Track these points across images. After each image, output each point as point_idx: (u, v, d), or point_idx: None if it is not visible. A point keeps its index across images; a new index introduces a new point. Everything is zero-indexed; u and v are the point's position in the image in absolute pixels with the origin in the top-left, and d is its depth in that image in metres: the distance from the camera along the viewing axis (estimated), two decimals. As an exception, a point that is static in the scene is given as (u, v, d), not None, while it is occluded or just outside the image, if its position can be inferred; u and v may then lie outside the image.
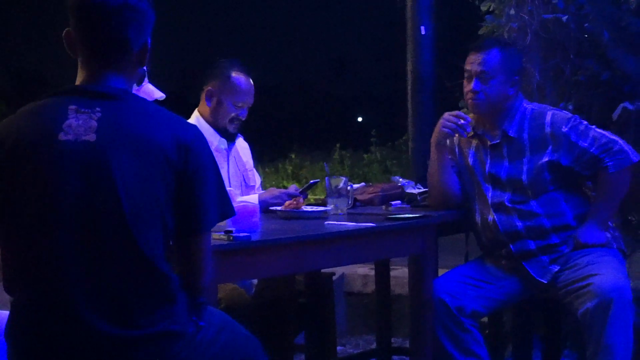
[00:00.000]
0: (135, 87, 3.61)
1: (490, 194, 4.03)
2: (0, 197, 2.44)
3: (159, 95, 3.66)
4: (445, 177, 4.10)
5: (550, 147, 3.94)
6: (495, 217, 4.00)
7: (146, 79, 3.63)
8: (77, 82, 2.55)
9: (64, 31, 2.57)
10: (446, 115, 4.03)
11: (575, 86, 4.98)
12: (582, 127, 3.95)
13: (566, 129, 3.93)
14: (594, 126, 3.98)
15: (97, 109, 2.44)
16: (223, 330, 2.69)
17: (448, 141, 4.19)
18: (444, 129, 4.02)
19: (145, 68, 3.55)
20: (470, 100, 4.02)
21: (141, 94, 3.61)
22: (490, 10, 5.30)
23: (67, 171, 2.38)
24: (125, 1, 2.51)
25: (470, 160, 4.13)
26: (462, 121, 3.99)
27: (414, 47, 5.36)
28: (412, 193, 4.48)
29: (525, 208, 3.97)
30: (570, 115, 4.02)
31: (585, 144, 3.91)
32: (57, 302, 2.39)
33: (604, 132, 3.96)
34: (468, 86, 4.02)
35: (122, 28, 2.52)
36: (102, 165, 2.38)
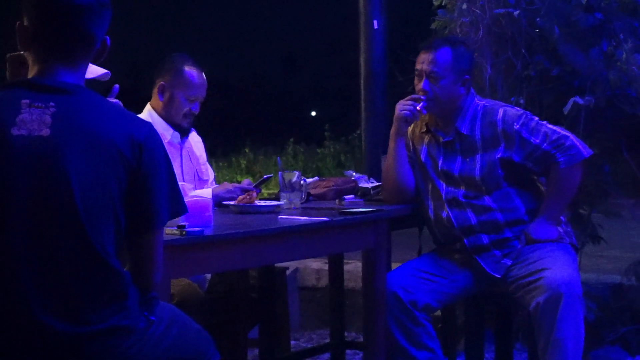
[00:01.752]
0: None
1: (444, 190, 4.05)
2: None
3: (102, 71, 3.61)
4: (402, 170, 4.11)
5: (502, 145, 3.96)
6: (449, 212, 4.02)
7: None
8: (30, 76, 2.52)
9: (17, 24, 2.53)
10: (401, 101, 4.03)
11: (527, 81, 5.02)
12: (533, 124, 3.97)
13: (517, 126, 3.95)
14: (545, 122, 4.01)
15: (51, 103, 2.41)
16: (173, 325, 2.68)
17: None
18: (403, 112, 4.00)
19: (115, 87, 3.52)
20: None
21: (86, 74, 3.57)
22: (442, 4, 5.32)
23: (19, 166, 2.36)
24: None
25: (422, 157, 4.14)
26: (419, 104, 3.98)
27: (367, 42, 5.38)
28: (366, 187, 4.49)
29: (479, 203, 3.99)
30: (521, 111, 4.04)
31: (537, 141, 3.93)
32: (7, 298, 2.37)
33: (555, 127, 3.99)
34: (418, 85, 4.03)
35: (89, 24, 2.50)
36: (55, 161, 2.36)
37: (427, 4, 5.43)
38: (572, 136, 3.97)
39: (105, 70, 3.44)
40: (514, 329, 4.44)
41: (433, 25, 5.36)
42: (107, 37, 2.60)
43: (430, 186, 4.11)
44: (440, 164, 4.07)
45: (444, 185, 4.06)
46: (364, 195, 4.47)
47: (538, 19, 4.88)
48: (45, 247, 2.37)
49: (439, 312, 4.41)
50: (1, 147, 2.36)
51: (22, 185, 2.36)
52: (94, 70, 3.61)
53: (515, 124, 3.95)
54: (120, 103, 2.99)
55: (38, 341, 2.37)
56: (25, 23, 2.52)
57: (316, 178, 4.79)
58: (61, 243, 2.37)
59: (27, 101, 2.41)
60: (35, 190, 2.36)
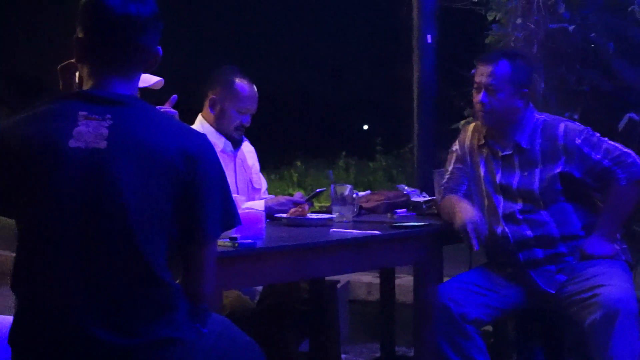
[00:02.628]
0: None
1: (501, 205, 4.02)
2: (12, 198, 2.44)
3: (155, 79, 3.65)
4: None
5: (562, 159, 3.93)
6: (505, 228, 3.99)
7: None
8: (85, 88, 2.54)
9: (74, 37, 2.55)
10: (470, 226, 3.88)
11: (580, 96, 4.98)
12: (594, 139, 3.94)
13: (579, 141, 3.92)
14: (606, 138, 3.98)
15: (108, 115, 2.43)
16: (224, 337, 2.69)
17: (459, 150, 4.20)
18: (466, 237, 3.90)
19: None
20: (479, 112, 4.02)
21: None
22: (496, 19, 5.30)
23: (75, 178, 2.37)
24: (152, 10, 2.52)
25: (481, 170, 4.11)
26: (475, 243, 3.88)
27: (419, 56, 5.38)
28: (417, 201, 4.49)
29: (535, 217, 3.96)
30: (582, 127, 4.00)
31: (598, 157, 3.90)
32: (58, 309, 2.39)
33: (616, 144, 3.96)
34: (476, 97, 4.01)
35: (143, 36, 2.52)
36: (110, 173, 2.37)
37: (480, 19, 5.41)
38: (633, 154, 3.93)
39: (159, 78, 3.47)
40: (566, 345, 4.39)
41: (487, 40, 5.34)
42: (159, 48, 2.62)
43: (486, 201, 4.09)
44: (498, 178, 4.04)
45: (502, 200, 4.03)
46: (416, 209, 4.47)
47: (593, 35, 4.85)
48: (97, 260, 2.38)
49: (490, 327, 4.38)
50: (58, 159, 2.38)
51: (76, 197, 2.38)
52: (147, 79, 3.65)
53: (576, 139, 3.92)
54: (177, 113, 3.02)
55: (87, 353, 2.39)
56: (80, 35, 2.54)
57: (368, 192, 4.79)
58: (113, 256, 2.38)
59: (84, 113, 2.42)
60: (89, 202, 2.37)
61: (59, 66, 3.14)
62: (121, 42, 2.51)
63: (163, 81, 3.66)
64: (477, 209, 3.97)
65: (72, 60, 2.67)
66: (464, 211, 3.91)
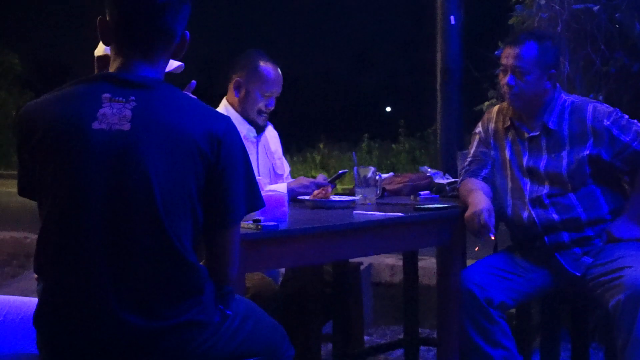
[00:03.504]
0: None
1: (528, 188, 4.00)
2: (35, 180, 2.45)
3: (176, 64, 3.66)
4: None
5: (591, 141, 3.90)
6: (532, 212, 3.96)
7: None
8: (110, 70, 2.55)
9: (98, 18, 2.56)
10: (475, 221, 3.82)
11: (605, 77, 4.95)
12: (624, 122, 3.90)
13: (608, 123, 3.88)
14: (635, 120, 3.94)
15: (132, 98, 2.44)
16: (249, 319, 2.70)
17: (482, 132, 4.17)
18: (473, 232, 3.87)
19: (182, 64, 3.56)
20: (506, 94, 3.99)
21: None
22: (520, 0, 5.27)
23: (99, 160, 2.38)
24: None
25: (507, 153, 4.09)
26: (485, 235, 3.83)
27: (443, 38, 5.35)
28: (441, 183, 4.47)
29: (562, 201, 3.93)
30: (611, 109, 3.96)
31: (628, 139, 3.87)
32: (84, 291, 2.40)
33: None
34: (503, 80, 3.98)
35: (169, 20, 2.52)
36: (135, 155, 2.38)
37: (504, 0, 5.38)
38: None
39: (179, 63, 3.47)
40: (590, 327, 4.37)
41: (511, 21, 5.32)
42: (187, 32, 2.61)
43: (510, 184, 4.06)
44: (525, 161, 4.02)
45: (529, 184, 4.00)
46: (440, 191, 4.45)
47: (618, 15, 4.81)
48: (123, 242, 2.39)
49: (514, 311, 4.37)
50: (82, 141, 2.39)
51: (100, 179, 2.38)
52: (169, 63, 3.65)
53: (605, 120, 3.89)
54: (197, 99, 3.03)
55: (114, 335, 2.40)
56: (107, 18, 2.55)
57: (391, 174, 4.77)
58: (139, 238, 2.39)
59: (108, 95, 2.43)
60: (114, 185, 2.38)
61: (96, 55, 3.14)
62: (146, 25, 2.51)
63: (184, 66, 3.66)
64: (487, 199, 3.93)
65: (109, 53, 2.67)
66: (474, 202, 3.89)
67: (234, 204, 2.55)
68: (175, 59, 2.65)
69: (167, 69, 3.44)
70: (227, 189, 2.52)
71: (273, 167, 4.55)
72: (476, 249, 3.92)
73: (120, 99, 2.43)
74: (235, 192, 2.54)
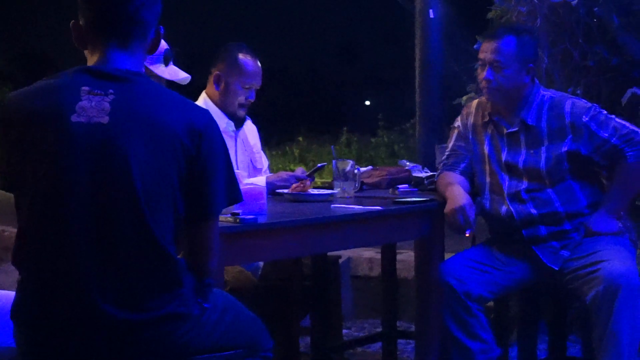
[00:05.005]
0: (162, 66, 3.64)
1: (506, 184, 4.01)
2: (14, 171, 2.45)
3: (183, 75, 3.68)
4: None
5: (569, 137, 3.91)
6: (510, 207, 3.97)
7: (171, 62, 3.67)
8: (89, 64, 2.55)
9: (72, 22, 2.57)
10: (454, 214, 3.86)
11: (584, 71, 4.97)
12: (602, 117, 3.92)
13: (586, 119, 3.90)
14: (613, 116, 3.95)
15: (110, 90, 2.44)
16: (227, 312, 2.70)
17: (461, 127, 4.18)
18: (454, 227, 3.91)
19: (168, 48, 3.58)
20: (484, 89, 4.00)
21: (166, 74, 3.64)
22: (499, -7, 5.28)
23: (78, 153, 2.38)
24: None
25: (486, 148, 4.10)
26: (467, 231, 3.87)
27: (422, 31, 5.36)
28: (419, 177, 4.48)
29: (541, 196, 3.95)
30: (590, 104, 3.97)
31: (606, 134, 3.88)
32: (66, 284, 2.39)
33: (624, 122, 3.93)
34: (481, 74, 3.98)
35: (143, 12, 2.53)
36: (115, 148, 2.38)
37: (484, -7, 5.39)
38: None
39: (187, 75, 3.51)
40: (568, 320, 4.39)
41: (490, 15, 5.32)
42: (161, 27, 2.62)
43: (489, 179, 4.07)
44: (504, 156, 4.03)
45: (507, 179, 4.01)
46: (418, 184, 4.46)
47: (596, 9, 4.83)
48: (105, 235, 2.39)
49: (491, 303, 4.38)
50: (61, 134, 2.38)
51: (81, 173, 2.38)
52: (174, 73, 3.70)
53: (584, 116, 3.90)
54: (176, 92, 3.03)
55: (96, 327, 2.40)
56: (80, 20, 2.56)
57: (370, 167, 4.78)
58: (121, 231, 2.39)
59: (87, 88, 2.43)
60: (95, 178, 2.38)
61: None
62: (119, 16, 2.52)
63: (190, 78, 3.69)
64: (466, 194, 3.94)
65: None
66: (453, 197, 3.90)
67: (214, 196, 2.55)
68: (150, 54, 2.65)
69: (173, 78, 3.50)
70: (207, 181, 2.52)
71: (252, 161, 4.55)
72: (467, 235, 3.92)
73: (99, 91, 2.43)
74: (215, 185, 2.54)
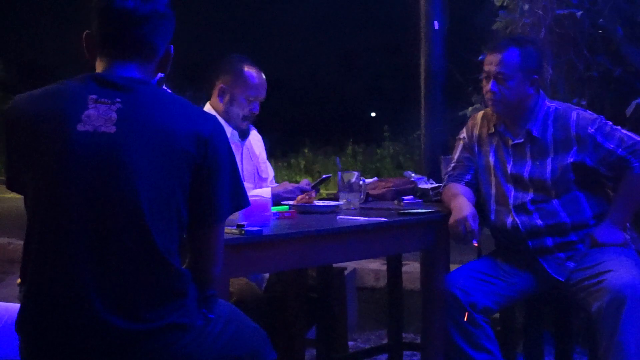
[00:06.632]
0: None
1: (512, 195, 4.01)
2: (20, 174, 2.46)
3: None
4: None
5: (575, 148, 3.91)
6: (516, 218, 3.97)
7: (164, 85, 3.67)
8: (97, 71, 2.56)
9: (84, 33, 2.58)
10: (456, 225, 3.86)
11: (588, 82, 4.97)
12: (607, 128, 3.92)
13: (592, 130, 3.90)
14: (618, 127, 3.96)
15: (117, 99, 2.44)
16: (231, 323, 2.70)
17: (467, 138, 4.18)
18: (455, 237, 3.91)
19: (163, 75, 3.59)
20: (489, 101, 4.00)
21: None
22: (504, 5, 5.29)
23: (82, 163, 2.38)
24: (155, 7, 2.54)
25: (491, 159, 4.10)
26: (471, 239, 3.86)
27: (427, 42, 5.35)
28: (425, 188, 4.48)
29: (546, 207, 3.94)
30: (595, 115, 3.97)
31: (612, 145, 3.88)
32: (68, 294, 2.39)
33: (629, 133, 3.93)
34: (486, 86, 3.99)
35: (150, 35, 2.55)
36: (120, 158, 2.38)
37: (488, 5, 5.40)
38: None
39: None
40: (574, 331, 4.39)
41: (494, 26, 5.33)
42: (172, 47, 2.63)
43: (494, 190, 4.07)
44: (509, 168, 4.03)
45: (513, 190, 4.01)
46: (423, 196, 4.46)
47: (601, 20, 4.83)
48: (107, 245, 2.38)
49: (497, 314, 4.38)
50: (66, 143, 2.38)
51: (85, 182, 2.38)
52: None
53: (589, 127, 3.90)
54: (183, 99, 3.04)
55: (97, 337, 2.39)
56: (91, 32, 2.57)
57: (375, 179, 4.78)
58: (124, 241, 2.38)
59: (94, 97, 2.44)
60: (99, 187, 2.38)
61: None
62: (127, 39, 2.54)
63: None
64: (471, 205, 3.94)
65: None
66: (457, 208, 3.90)
67: (220, 202, 2.56)
68: (162, 72, 2.66)
69: None
70: (213, 187, 2.53)
71: (257, 171, 4.55)
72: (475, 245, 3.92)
73: (106, 100, 2.43)
74: (220, 190, 2.55)
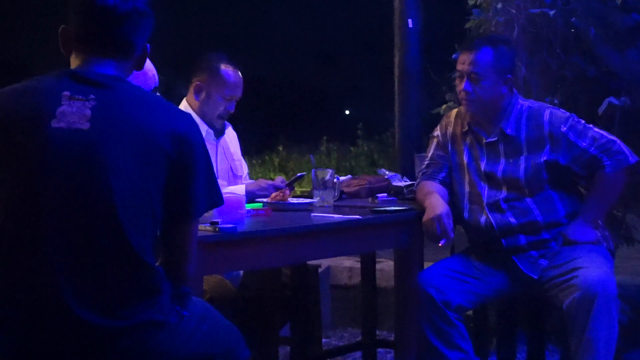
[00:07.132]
0: None
1: (485, 194, 4.02)
2: None
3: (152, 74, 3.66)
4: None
5: (548, 147, 3.93)
6: (490, 216, 3.98)
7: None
8: (72, 67, 2.55)
9: (60, 28, 2.58)
10: (431, 224, 3.89)
11: (561, 81, 4.99)
12: (580, 127, 3.94)
13: (565, 129, 3.92)
14: (591, 125, 3.98)
15: (91, 96, 2.44)
16: (205, 320, 2.70)
17: (440, 136, 4.20)
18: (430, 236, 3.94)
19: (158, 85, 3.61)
20: (462, 100, 4.01)
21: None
22: (477, 4, 5.30)
23: (56, 159, 2.37)
24: (135, 5, 2.54)
25: (465, 158, 4.11)
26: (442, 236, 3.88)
27: (401, 41, 5.37)
28: (399, 186, 4.49)
29: (520, 205, 3.96)
30: (568, 114, 4.00)
31: (584, 144, 3.90)
32: (43, 291, 2.38)
33: (602, 131, 3.96)
34: (459, 86, 4.00)
35: (130, 33, 2.56)
36: (94, 155, 2.37)
37: (462, 4, 5.41)
38: (619, 141, 3.93)
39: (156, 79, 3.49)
40: (546, 330, 4.41)
41: (468, 25, 5.34)
42: (148, 45, 2.64)
43: (468, 188, 4.09)
44: (483, 166, 4.04)
45: (486, 189, 4.03)
46: (397, 194, 4.47)
47: (574, 19, 4.85)
48: (81, 242, 2.38)
49: (470, 312, 4.39)
50: (40, 140, 2.38)
51: (59, 179, 2.37)
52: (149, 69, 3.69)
53: (562, 126, 3.93)
54: (159, 96, 3.05)
55: (72, 334, 2.39)
56: (69, 28, 2.57)
57: (349, 176, 4.79)
58: (98, 238, 2.38)
59: (68, 93, 2.43)
60: (73, 185, 2.37)
61: None
62: (105, 36, 2.54)
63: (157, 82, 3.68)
64: (445, 203, 3.95)
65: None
66: (431, 206, 3.91)
67: (194, 199, 2.56)
68: (137, 70, 2.66)
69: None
70: (187, 185, 2.53)
71: (232, 169, 4.55)
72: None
73: (80, 96, 2.43)
74: (196, 188, 2.55)
